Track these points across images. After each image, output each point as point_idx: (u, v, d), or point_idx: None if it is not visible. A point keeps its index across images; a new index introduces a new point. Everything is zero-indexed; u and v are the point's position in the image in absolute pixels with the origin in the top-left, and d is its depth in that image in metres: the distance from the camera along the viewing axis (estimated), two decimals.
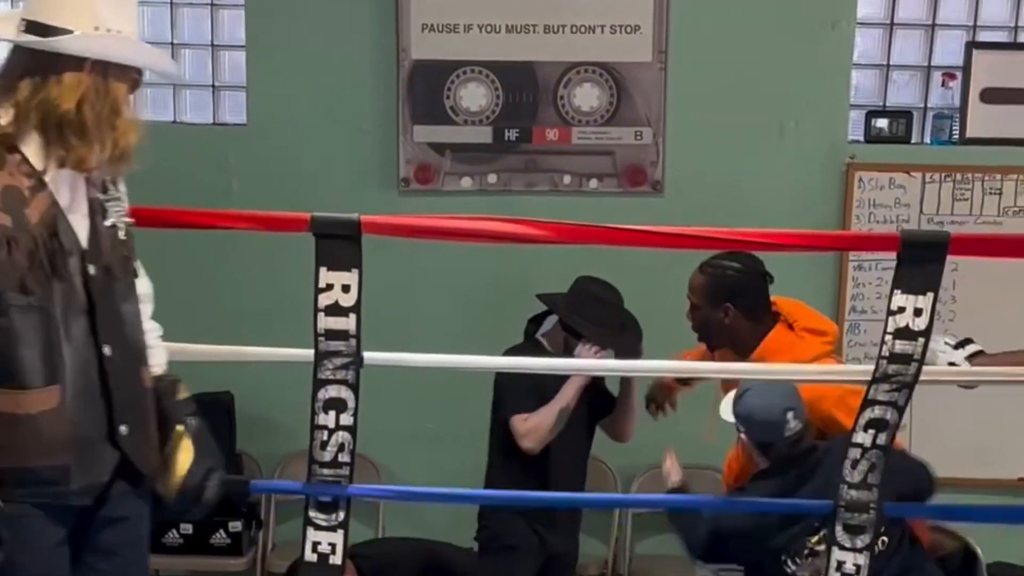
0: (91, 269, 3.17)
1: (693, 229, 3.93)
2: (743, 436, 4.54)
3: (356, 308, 3.59)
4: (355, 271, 3.56)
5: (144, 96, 6.90)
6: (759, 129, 6.67)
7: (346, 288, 3.56)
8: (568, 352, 5.31)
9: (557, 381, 5.24)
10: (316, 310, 3.59)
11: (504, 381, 5.31)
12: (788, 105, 6.67)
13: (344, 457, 3.74)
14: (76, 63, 3.07)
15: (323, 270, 3.56)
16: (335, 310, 3.58)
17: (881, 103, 6.90)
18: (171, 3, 6.88)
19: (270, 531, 6.82)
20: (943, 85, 6.80)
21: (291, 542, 6.51)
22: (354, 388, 3.68)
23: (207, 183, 6.52)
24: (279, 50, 6.70)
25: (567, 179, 6.67)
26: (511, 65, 6.62)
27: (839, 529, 3.89)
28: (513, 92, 6.65)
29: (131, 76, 3.22)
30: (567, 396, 5.21)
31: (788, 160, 6.67)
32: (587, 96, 6.61)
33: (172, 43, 6.88)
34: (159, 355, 3.56)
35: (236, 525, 6.58)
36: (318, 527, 3.81)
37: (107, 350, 3.20)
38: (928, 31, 6.89)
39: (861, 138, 6.76)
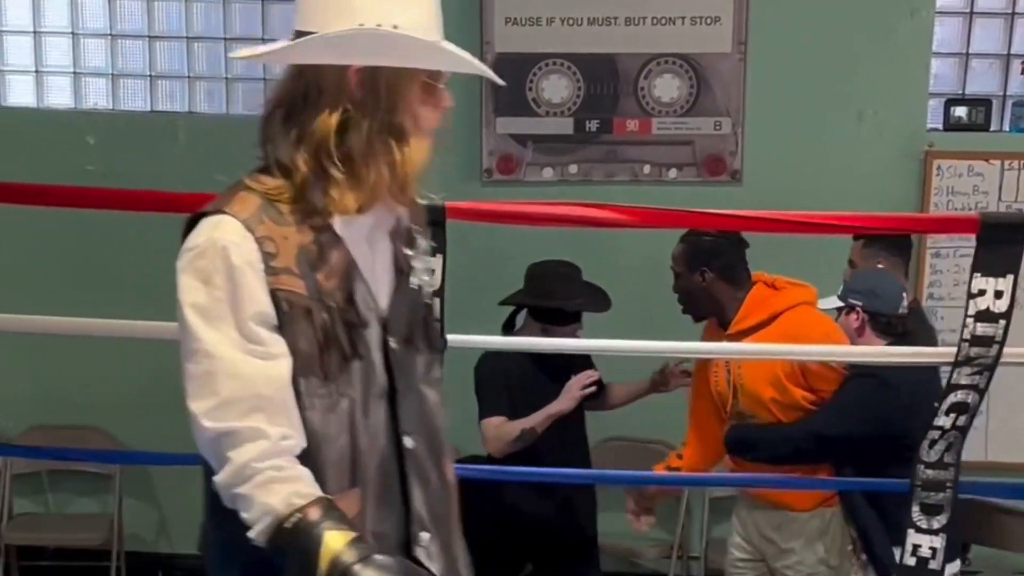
0: (392, 342, 2.59)
1: (773, 212, 3.90)
2: (855, 314, 4.66)
3: (440, 293, 3.55)
4: (439, 256, 3.52)
5: (236, 90, 6.97)
6: (838, 118, 6.61)
7: (431, 272, 3.54)
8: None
9: (530, 386, 5.18)
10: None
11: (479, 382, 5.24)
12: (867, 94, 6.61)
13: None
14: (338, 75, 2.48)
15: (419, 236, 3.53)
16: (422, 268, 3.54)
17: (960, 91, 6.83)
18: (262, 1, 6.94)
19: None
20: (1022, 73, 6.73)
21: None
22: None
23: None
24: None
25: (647, 169, 6.65)
26: (592, 57, 6.61)
27: (916, 510, 3.84)
28: (594, 83, 6.64)
29: (419, 80, 2.53)
30: (542, 418, 5.12)
31: (867, 148, 6.61)
32: (667, 87, 6.59)
33: (263, 38, 6.90)
34: None
35: None
36: None
37: (408, 441, 2.61)
38: (1008, 19, 6.82)
39: (940, 126, 6.70)
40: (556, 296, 5.21)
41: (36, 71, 7.06)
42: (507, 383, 5.18)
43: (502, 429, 5.12)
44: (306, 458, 2.40)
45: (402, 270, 2.69)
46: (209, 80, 7.05)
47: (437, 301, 3.01)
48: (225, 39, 6.98)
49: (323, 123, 2.46)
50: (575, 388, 5.09)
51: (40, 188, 4.31)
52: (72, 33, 7.01)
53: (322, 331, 2.45)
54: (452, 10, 6.54)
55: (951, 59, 6.85)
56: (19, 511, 6.97)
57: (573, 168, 6.69)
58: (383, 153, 2.51)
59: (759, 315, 4.76)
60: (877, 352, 4.47)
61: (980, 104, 6.68)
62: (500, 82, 2.87)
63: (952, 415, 3.63)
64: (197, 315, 2.41)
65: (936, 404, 3.75)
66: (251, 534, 2.32)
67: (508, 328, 5.42)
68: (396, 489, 2.59)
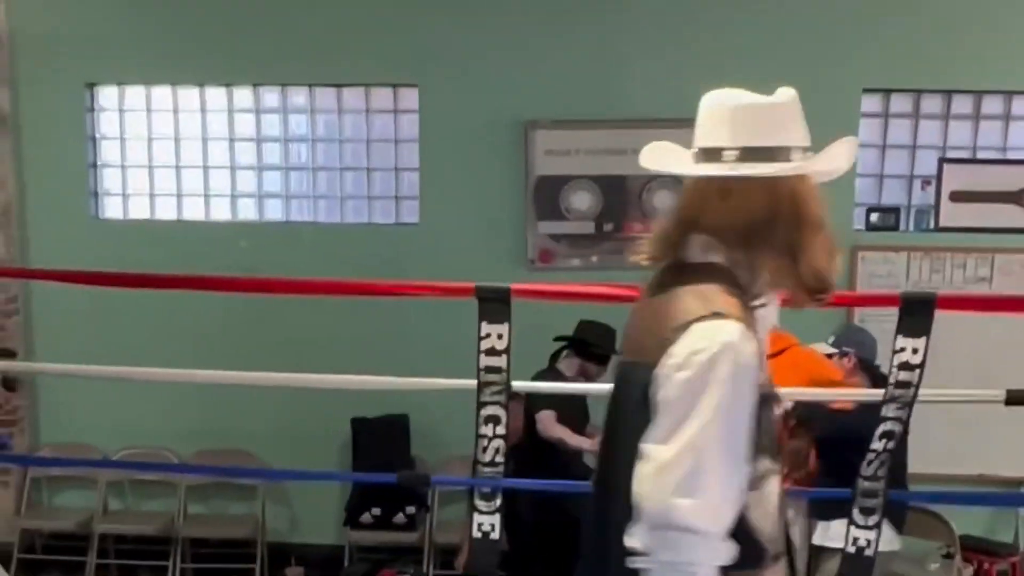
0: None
1: None
2: (848, 359, 4.87)
3: (507, 350, 3.58)
4: (506, 324, 3.56)
5: (348, 205, 7.02)
6: None
7: (500, 336, 3.57)
8: (582, 374, 5.61)
9: (567, 400, 5.48)
10: (479, 352, 3.57)
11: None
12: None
13: (499, 458, 3.71)
14: (790, 185, 2.18)
15: (484, 323, 3.55)
16: (492, 352, 3.58)
17: (877, 201, 6.83)
18: (367, 140, 6.99)
19: (434, 513, 6.80)
20: (922, 188, 6.74)
21: (449, 521, 6.62)
22: (505, 408, 3.66)
23: (391, 266, 6.50)
24: (445, 170, 6.78)
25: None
26: (608, 178, 6.64)
27: (856, 511, 3.81)
28: (609, 196, 6.67)
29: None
30: (574, 442, 5.45)
31: None
32: (663, 199, 6.59)
33: (368, 168, 6.98)
34: None
35: (411, 509, 6.61)
36: (481, 512, 3.77)
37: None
38: (911, 151, 6.83)
39: (863, 227, 6.70)
40: (598, 343, 5.53)
41: (205, 194, 7.13)
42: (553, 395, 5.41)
43: (552, 424, 5.46)
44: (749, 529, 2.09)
45: None
46: (328, 198, 7.08)
47: None
48: (341, 170, 7.03)
49: (778, 228, 2.16)
50: (597, 437, 5.18)
51: (211, 279, 4.37)
52: (231, 168, 7.10)
53: (777, 415, 2.18)
54: (506, 144, 6.68)
55: (870, 178, 6.86)
56: (191, 512, 6.99)
57: (594, 258, 6.71)
58: (808, 249, 2.17)
59: (772, 348, 4.76)
60: (822, 393, 4.48)
61: (891, 211, 6.69)
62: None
63: (883, 440, 3.60)
64: (706, 412, 1.99)
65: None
66: None
67: (553, 358, 5.72)
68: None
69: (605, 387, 4.93)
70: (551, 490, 4.81)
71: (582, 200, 6.67)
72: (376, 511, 6.56)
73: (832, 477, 4.49)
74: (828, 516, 4.72)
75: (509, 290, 3.56)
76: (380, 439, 6.72)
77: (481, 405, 3.66)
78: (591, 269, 6.65)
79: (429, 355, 6.35)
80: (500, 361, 3.59)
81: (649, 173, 6.63)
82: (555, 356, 5.74)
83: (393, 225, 6.99)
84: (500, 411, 3.66)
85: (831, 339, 4.95)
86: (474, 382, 3.64)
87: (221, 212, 7.11)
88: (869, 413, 4.40)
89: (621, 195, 6.65)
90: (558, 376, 5.53)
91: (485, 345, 3.58)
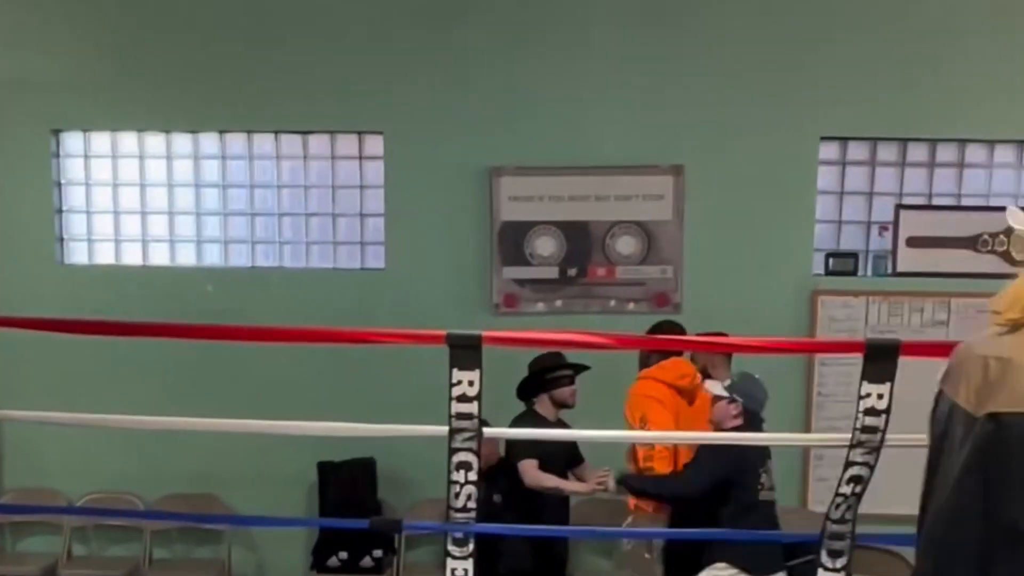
0: None
1: (711, 338, 3.97)
2: (733, 404, 4.92)
3: (478, 397, 3.58)
4: (477, 370, 3.55)
5: (312, 250, 6.99)
6: (751, 266, 6.65)
7: (471, 383, 3.56)
8: (560, 406, 5.42)
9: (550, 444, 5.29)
10: (450, 399, 3.56)
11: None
12: (771, 249, 6.66)
13: (471, 504, 3.70)
14: None
15: (455, 370, 3.55)
16: (464, 398, 3.58)
17: (836, 247, 6.88)
18: (332, 186, 6.98)
19: (401, 556, 6.74)
20: (879, 234, 6.79)
21: (416, 564, 6.57)
22: (476, 454, 3.65)
23: (358, 312, 6.55)
24: (410, 215, 6.76)
25: (612, 302, 6.68)
26: (572, 223, 6.65)
27: (824, 554, 3.82)
28: (573, 241, 6.67)
29: None
30: (568, 488, 5.39)
31: (771, 287, 6.63)
32: (626, 244, 6.63)
33: (333, 214, 6.96)
34: None
35: (378, 552, 6.54)
36: (454, 557, 3.76)
37: None
38: (868, 197, 6.89)
39: (822, 272, 6.74)
40: (554, 363, 5.39)
41: (170, 240, 7.07)
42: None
43: (537, 474, 5.31)
44: None
45: None
46: (294, 243, 7.05)
47: None
48: (307, 215, 7.01)
49: None
50: (592, 481, 5.15)
51: (175, 326, 4.33)
52: (196, 214, 7.05)
53: None
54: (471, 190, 6.68)
55: (828, 224, 6.90)
56: (156, 557, 6.89)
57: (559, 302, 6.70)
58: None
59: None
60: (788, 438, 4.53)
61: (850, 256, 6.74)
62: None
63: (851, 485, 3.61)
64: None
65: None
66: None
67: (524, 395, 5.52)
68: None
69: (585, 434, 5.00)
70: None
71: (546, 245, 6.68)
72: (343, 555, 6.49)
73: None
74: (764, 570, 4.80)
75: (480, 337, 3.55)
76: (347, 483, 6.66)
77: (453, 451, 3.64)
78: (556, 313, 6.66)
79: (395, 398, 6.40)
80: (471, 407, 3.59)
81: (613, 219, 6.81)
82: (523, 391, 5.61)
83: (359, 270, 6.96)
84: (471, 457, 3.65)
85: (727, 383, 5.00)
86: (444, 428, 3.62)
87: (187, 257, 7.05)
88: (708, 467, 4.70)
89: (585, 240, 6.66)
90: (537, 419, 5.38)
91: (456, 392, 3.57)
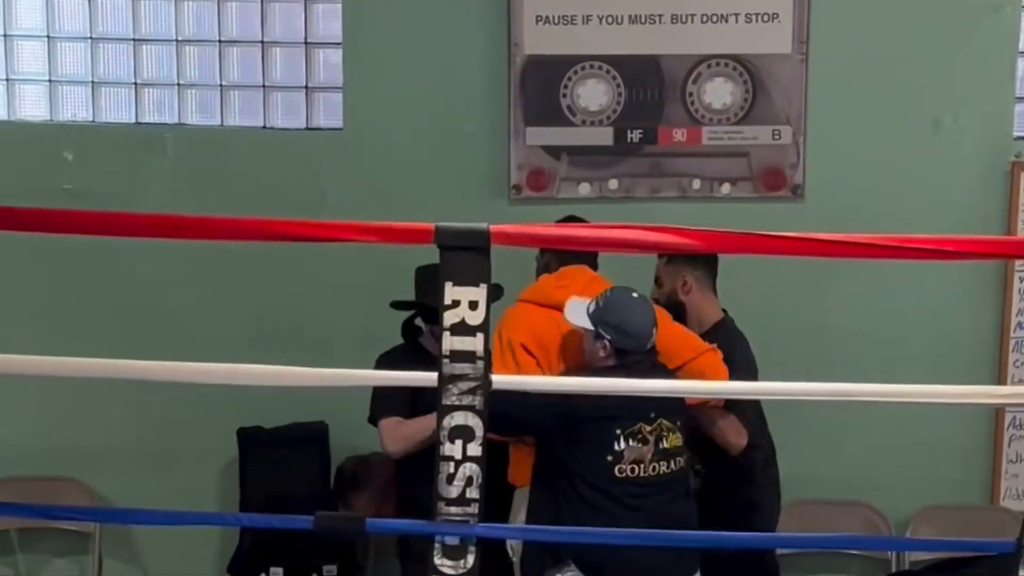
0: None
1: (851, 236, 3.86)
2: (601, 341, 5.02)
3: (484, 327, 3.55)
4: (483, 286, 3.52)
5: (232, 99, 6.96)
6: (912, 126, 6.64)
7: (473, 305, 3.53)
8: None
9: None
10: (441, 329, 3.55)
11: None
12: (945, 98, 6.63)
13: (472, 492, 3.66)
14: None
15: (449, 285, 3.53)
16: (462, 329, 3.55)
17: None
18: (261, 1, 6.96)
19: (368, 573, 6.81)
20: None
21: None
22: (481, 415, 3.62)
23: (300, 192, 6.60)
24: (379, 47, 6.74)
25: (696, 184, 6.66)
26: (634, 59, 6.62)
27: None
28: (636, 89, 6.64)
29: None
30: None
31: (944, 159, 6.63)
32: (719, 92, 6.61)
33: (263, 41, 6.95)
34: None
35: (331, 568, 6.57)
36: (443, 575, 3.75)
37: None
38: None
39: None
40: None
41: (7, 79, 7.05)
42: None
43: (401, 429, 5.39)
44: None
45: None
46: (201, 88, 7.03)
47: None
48: (220, 42, 6.99)
49: None
50: None
51: (10, 211, 4.27)
52: (48, 36, 7.01)
53: None
54: (477, 8, 6.65)
55: None
56: None
57: (613, 183, 6.69)
58: None
59: None
60: (956, 392, 4.45)
61: None
62: None
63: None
64: None
65: None
66: None
67: (410, 330, 5.65)
68: None
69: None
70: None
71: (594, 94, 6.65)
72: (277, 571, 6.53)
73: None
74: None
75: (488, 234, 3.52)
76: (283, 460, 6.71)
77: (445, 411, 3.62)
78: (608, 200, 6.66)
79: (357, 330, 6.39)
80: (473, 343, 3.57)
81: (698, 53, 6.74)
82: (408, 326, 5.65)
83: (303, 131, 6.97)
84: (474, 420, 3.62)
85: (590, 306, 5.03)
86: (431, 375, 3.62)
87: (35, 107, 7.07)
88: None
89: (655, 86, 6.63)
90: (415, 355, 5.41)
91: (450, 318, 3.55)
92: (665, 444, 4.95)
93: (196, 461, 6.82)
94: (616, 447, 4.88)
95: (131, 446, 6.76)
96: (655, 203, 6.61)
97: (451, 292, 3.53)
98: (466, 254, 3.52)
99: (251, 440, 6.72)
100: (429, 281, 5.20)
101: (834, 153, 6.61)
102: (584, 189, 6.69)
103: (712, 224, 3.87)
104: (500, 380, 3.72)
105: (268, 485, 6.68)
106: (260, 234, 4.03)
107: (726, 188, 6.64)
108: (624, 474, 4.89)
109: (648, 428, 4.92)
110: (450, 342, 3.56)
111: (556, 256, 5.41)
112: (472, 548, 3.74)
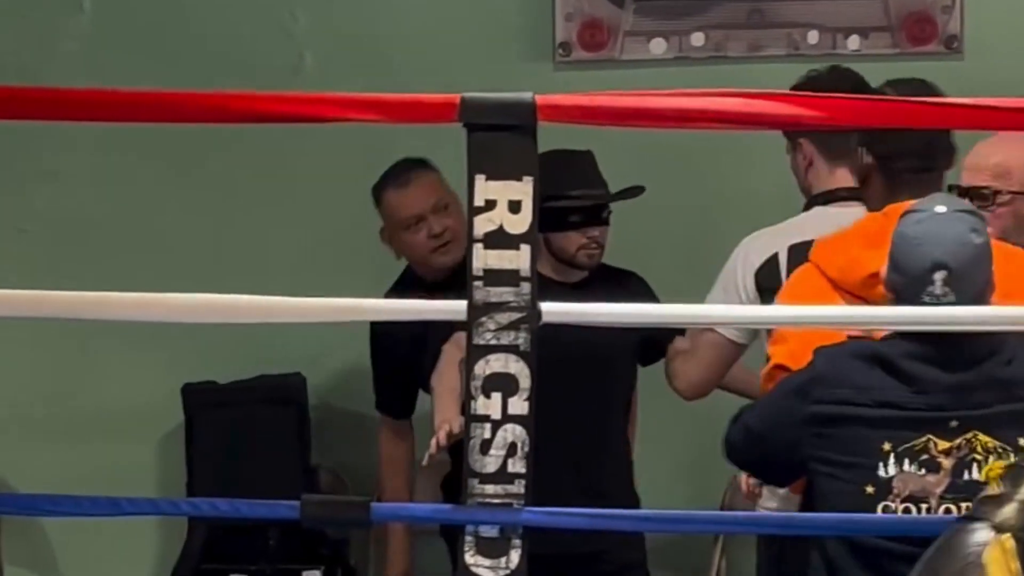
0: None
1: None
2: None
3: (530, 237, 3.57)
4: (529, 179, 3.54)
5: None
6: None
7: (515, 206, 3.56)
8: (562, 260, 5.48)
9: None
10: (471, 240, 3.57)
11: None
12: None
13: (516, 465, 3.69)
14: None
15: (480, 179, 3.55)
16: (498, 240, 3.57)
17: None
18: None
19: None
20: None
21: None
22: (527, 358, 3.63)
23: (267, 57, 6.64)
24: None
25: (813, 37, 6.67)
26: None
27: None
28: None
29: None
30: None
31: None
32: None
33: None
34: None
35: (315, 573, 6.62)
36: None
37: None
38: None
39: None
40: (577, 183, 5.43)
41: None
42: None
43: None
44: None
45: None
46: None
47: None
48: None
49: None
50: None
51: None
52: None
53: None
54: None
55: None
56: None
57: (698, 38, 6.71)
58: None
59: None
60: None
61: None
62: None
63: None
64: None
65: None
66: None
67: None
68: None
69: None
70: None
71: None
72: None
73: None
74: None
75: (534, 106, 3.53)
76: (245, 426, 6.78)
77: (475, 351, 3.64)
78: (691, 61, 6.72)
79: (343, 244, 6.44)
80: (515, 259, 3.59)
81: None
82: None
83: None
84: (517, 365, 3.64)
85: None
86: (460, 305, 3.64)
87: None
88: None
89: None
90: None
91: (482, 226, 3.58)
92: (974, 474, 3.93)
93: (127, 429, 6.88)
94: (881, 472, 4.17)
95: (35, 409, 6.82)
96: (756, 64, 6.64)
97: (484, 189, 3.54)
98: (504, 135, 3.54)
99: (201, 400, 6.78)
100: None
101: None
102: (658, 47, 6.71)
103: None
104: (552, 310, 3.72)
105: (224, 460, 6.73)
106: (227, 114, 4.04)
107: (854, 42, 6.65)
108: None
109: (944, 444, 4.10)
110: (484, 257, 3.57)
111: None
112: (517, 542, 3.76)
